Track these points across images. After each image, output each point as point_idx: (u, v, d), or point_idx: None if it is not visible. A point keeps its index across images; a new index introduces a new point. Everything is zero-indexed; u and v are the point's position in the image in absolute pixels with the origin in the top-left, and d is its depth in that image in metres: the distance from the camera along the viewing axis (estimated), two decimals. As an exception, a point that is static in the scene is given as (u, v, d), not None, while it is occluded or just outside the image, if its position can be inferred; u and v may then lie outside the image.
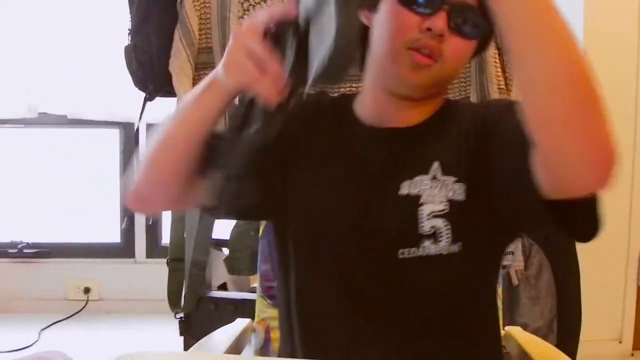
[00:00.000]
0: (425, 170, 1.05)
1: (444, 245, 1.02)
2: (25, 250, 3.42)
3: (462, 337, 1.08)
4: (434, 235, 1.02)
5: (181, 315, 2.22)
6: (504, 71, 1.74)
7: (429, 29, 1.00)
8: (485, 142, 1.02)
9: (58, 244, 3.45)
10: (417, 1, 1.01)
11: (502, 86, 1.72)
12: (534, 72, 0.78)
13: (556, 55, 0.77)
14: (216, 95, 0.97)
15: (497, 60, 1.74)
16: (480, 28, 1.02)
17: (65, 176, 3.46)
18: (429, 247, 1.02)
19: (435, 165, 1.05)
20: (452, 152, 1.06)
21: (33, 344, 2.98)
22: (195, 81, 1.83)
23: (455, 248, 1.02)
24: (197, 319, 2.18)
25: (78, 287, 3.35)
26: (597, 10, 2.41)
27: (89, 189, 3.47)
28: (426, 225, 1.02)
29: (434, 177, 1.04)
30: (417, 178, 1.05)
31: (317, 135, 1.15)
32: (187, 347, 2.24)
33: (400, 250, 1.03)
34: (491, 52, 1.72)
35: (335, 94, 1.24)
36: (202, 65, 1.84)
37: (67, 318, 3.29)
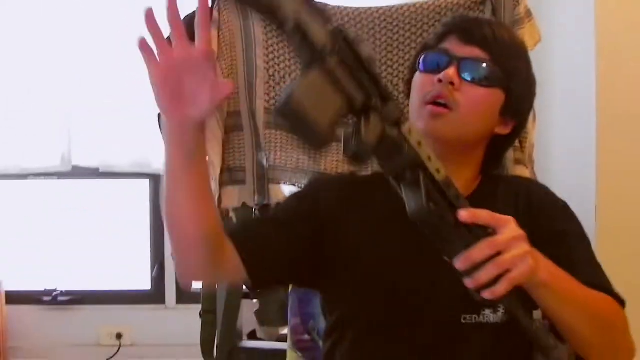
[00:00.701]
0: None
1: (500, 315, 1.14)
2: (59, 298, 3.50)
3: None
4: (493, 305, 1.13)
5: (213, 365, 2.29)
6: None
7: (440, 81, 1.17)
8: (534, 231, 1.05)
9: (91, 291, 3.53)
10: (432, 66, 1.22)
11: (516, 144, 1.78)
12: (567, 325, 1.05)
13: (582, 315, 1.05)
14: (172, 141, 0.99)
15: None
16: (491, 79, 1.20)
17: (98, 226, 3.56)
18: (488, 316, 1.14)
19: None
20: None
21: (69, 390, 3.06)
22: (224, 144, 1.92)
23: (506, 318, 1.13)
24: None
25: (110, 333, 3.41)
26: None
27: (120, 237, 3.56)
28: None
29: None
30: None
31: (364, 204, 1.25)
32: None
33: (463, 316, 1.15)
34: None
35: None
36: (230, 128, 1.93)
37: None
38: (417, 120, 1.19)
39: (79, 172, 3.44)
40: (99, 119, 3.36)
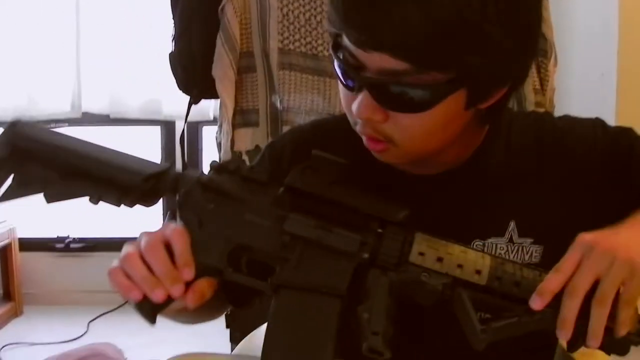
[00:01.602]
0: (500, 231, 0.91)
1: None
2: (71, 245, 3.53)
3: None
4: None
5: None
6: (538, 72, 1.76)
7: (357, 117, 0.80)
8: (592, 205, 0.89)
9: (103, 238, 3.55)
10: (344, 81, 0.81)
11: (537, 86, 1.74)
12: None
13: None
14: None
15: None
16: (423, 99, 0.76)
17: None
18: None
19: (512, 225, 0.91)
20: (533, 206, 0.90)
21: (82, 335, 3.09)
22: (237, 85, 1.88)
23: None
24: (242, 312, 2.22)
25: (124, 280, 3.43)
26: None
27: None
28: None
29: (511, 240, 0.91)
30: (491, 240, 0.90)
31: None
32: (233, 339, 2.30)
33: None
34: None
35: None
36: (243, 69, 1.89)
37: (114, 310, 3.38)
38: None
39: (89, 119, 3.41)
40: (109, 65, 3.33)
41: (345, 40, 0.78)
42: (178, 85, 1.99)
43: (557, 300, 0.71)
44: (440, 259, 0.75)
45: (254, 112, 1.90)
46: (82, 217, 3.58)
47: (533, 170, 0.92)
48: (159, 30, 2.91)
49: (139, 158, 0.84)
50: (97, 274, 3.57)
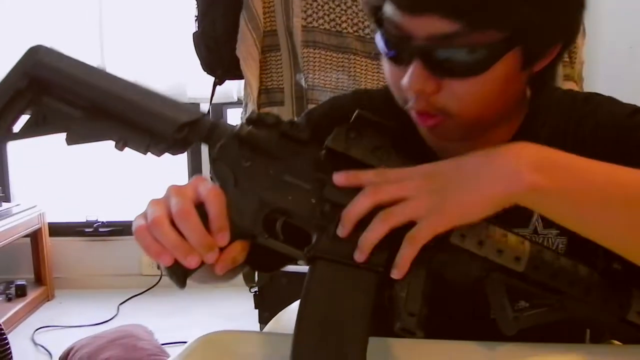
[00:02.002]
0: (524, 222, 0.89)
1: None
2: (100, 229, 3.57)
3: None
4: None
5: (255, 289, 2.30)
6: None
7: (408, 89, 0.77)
8: None
9: (131, 222, 3.55)
10: (392, 54, 0.78)
11: (565, 59, 1.71)
12: (615, 246, 0.71)
13: (629, 228, 0.70)
14: None
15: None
16: (477, 60, 0.73)
17: (136, 156, 3.54)
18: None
19: (536, 215, 0.88)
20: None
21: (113, 317, 3.13)
22: (261, 64, 1.88)
23: None
24: (270, 292, 2.25)
25: (152, 263, 3.44)
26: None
27: (159, 167, 3.56)
28: None
29: (535, 231, 0.89)
30: (515, 231, 0.80)
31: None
32: (261, 319, 2.32)
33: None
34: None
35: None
36: (267, 48, 1.88)
37: (143, 292, 3.42)
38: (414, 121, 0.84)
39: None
40: (134, 47, 3.34)
41: (388, 11, 0.75)
42: (202, 66, 1.99)
43: (592, 292, 0.69)
44: (481, 243, 0.71)
45: (278, 91, 1.89)
46: (110, 200, 3.63)
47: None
48: (182, 13, 2.92)
49: (171, 101, 0.76)
50: (126, 257, 3.64)
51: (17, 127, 0.75)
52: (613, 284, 0.73)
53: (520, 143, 0.69)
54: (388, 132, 0.74)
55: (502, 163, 0.68)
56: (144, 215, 0.71)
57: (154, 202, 0.71)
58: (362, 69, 1.85)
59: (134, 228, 0.70)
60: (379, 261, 0.70)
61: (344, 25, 1.86)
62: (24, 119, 0.75)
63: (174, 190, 0.71)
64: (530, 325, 0.70)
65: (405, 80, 0.75)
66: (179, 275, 0.71)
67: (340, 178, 0.71)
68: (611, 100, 0.92)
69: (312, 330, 0.71)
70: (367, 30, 1.86)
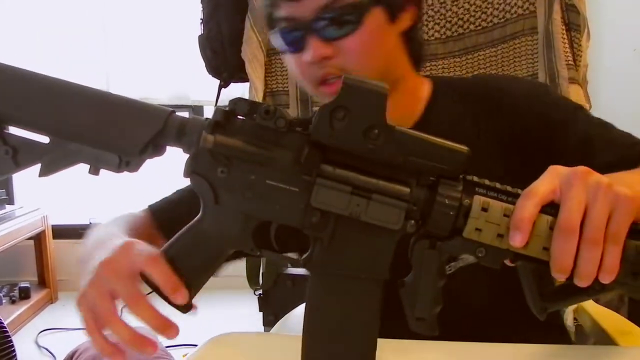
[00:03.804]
0: None
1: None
2: (103, 232, 3.55)
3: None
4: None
5: (260, 292, 2.30)
6: (571, 47, 1.72)
7: (312, 62, 0.97)
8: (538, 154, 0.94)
9: (134, 224, 3.56)
10: (293, 46, 0.99)
11: (570, 62, 1.70)
12: None
13: None
14: None
15: (565, 36, 1.70)
16: (351, 13, 0.96)
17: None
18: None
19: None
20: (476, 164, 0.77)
21: (117, 320, 3.12)
22: (267, 67, 1.87)
23: None
24: (275, 295, 2.25)
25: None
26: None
27: (161, 171, 3.57)
28: None
29: None
30: None
31: None
32: (266, 322, 2.31)
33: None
34: (558, 27, 1.69)
35: None
36: (272, 51, 1.88)
37: (146, 295, 3.41)
38: (322, 99, 1.02)
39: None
40: (138, 51, 3.35)
41: (278, 9, 0.99)
42: (207, 69, 1.99)
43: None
44: (500, 236, 0.64)
45: (284, 94, 1.89)
46: (113, 203, 3.63)
47: (475, 127, 1.03)
48: (187, 16, 2.92)
49: (134, 109, 0.70)
50: (129, 260, 3.64)
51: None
52: None
53: None
54: (381, 102, 0.64)
55: None
56: (85, 294, 0.71)
57: (92, 284, 0.71)
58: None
59: (77, 306, 0.73)
60: (381, 270, 0.67)
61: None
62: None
63: (107, 268, 0.71)
64: (559, 307, 0.73)
65: (307, 55, 0.96)
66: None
67: (516, 238, 0.62)
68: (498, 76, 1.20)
69: (320, 339, 0.69)
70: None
